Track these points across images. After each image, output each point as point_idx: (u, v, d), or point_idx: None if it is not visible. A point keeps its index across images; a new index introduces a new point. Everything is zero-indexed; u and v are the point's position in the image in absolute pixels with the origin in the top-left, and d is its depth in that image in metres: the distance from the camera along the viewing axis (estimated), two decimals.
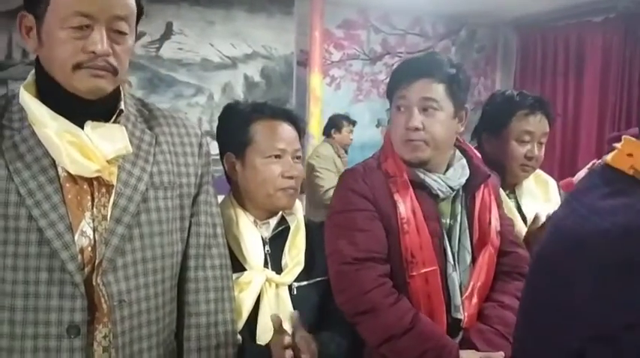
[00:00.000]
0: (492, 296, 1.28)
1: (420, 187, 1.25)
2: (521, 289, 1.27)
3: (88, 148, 0.95)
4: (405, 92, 1.23)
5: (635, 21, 3.28)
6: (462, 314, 1.22)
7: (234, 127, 1.27)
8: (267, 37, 3.60)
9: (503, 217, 1.35)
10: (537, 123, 1.54)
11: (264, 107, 1.28)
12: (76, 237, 0.96)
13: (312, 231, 1.29)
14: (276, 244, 1.25)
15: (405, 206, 1.22)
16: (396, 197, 1.23)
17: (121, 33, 0.95)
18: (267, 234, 1.26)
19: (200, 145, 1.13)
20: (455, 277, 1.24)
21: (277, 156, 1.24)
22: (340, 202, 1.27)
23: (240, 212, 1.26)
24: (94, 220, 0.98)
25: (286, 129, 1.27)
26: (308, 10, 3.49)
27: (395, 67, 1.35)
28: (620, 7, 3.32)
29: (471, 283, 1.24)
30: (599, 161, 1.48)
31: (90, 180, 0.98)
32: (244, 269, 1.20)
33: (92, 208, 0.98)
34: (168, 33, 3.33)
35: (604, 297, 0.70)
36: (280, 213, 1.27)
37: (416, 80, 1.22)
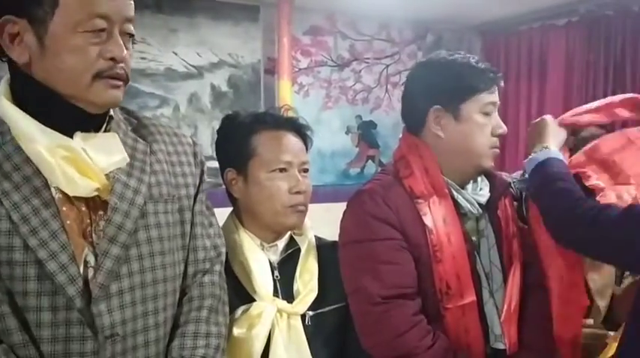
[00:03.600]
0: (523, 314, 1.18)
1: (450, 205, 1.14)
2: (546, 303, 1.22)
3: (85, 163, 0.84)
4: (494, 97, 1.17)
5: (598, 24, 3.34)
6: (504, 343, 1.12)
7: (235, 140, 1.16)
8: (233, 45, 3.49)
9: (520, 227, 1.26)
10: None
11: (267, 116, 1.19)
12: (80, 269, 0.84)
13: (325, 251, 1.19)
14: (285, 269, 1.15)
15: (437, 230, 1.09)
16: (426, 220, 1.10)
17: (131, 36, 0.89)
18: (276, 257, 1.16)
19: (195, 154, 1.04)
20: (492, 303, 1.13)
21: (283, 170, 1.14)
22: (359, 230, 1.13)
23: (245, 234, 1.15)
24: (94, 247, 0.87)
25: (292, 140, 1.17)
26: (274, 17, 3.41)
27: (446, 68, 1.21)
28: (582, 11, 3.38)
29: (506, 304, 1.14)
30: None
31: (87, 201, 0.87)
32: (252, 299, 1.11)
33: (92, 234, 0.87)
34: None
35: None
36: (289, 233, 1.18)
37: (499, 81, 1.19)
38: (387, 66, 3.94)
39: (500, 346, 1.13)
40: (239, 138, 1.16)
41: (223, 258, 1.05)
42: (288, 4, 3.35)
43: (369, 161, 3.99)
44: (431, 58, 1.26)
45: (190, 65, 3.39)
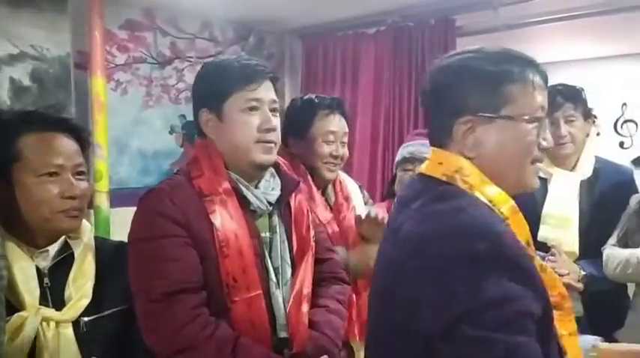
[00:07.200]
0: (317, 302, 1.27)
1: (236, 203, 1.17)
2: (341, 292, 1.33)
3: None
4: (256, 94, 1.21)
5: (402, 34, 3.69)
6: (288, 332, 1.18)
7: None
8: (36, 36, 3.18)
9: (316, 224, 1.36)
10: (338, 123, 1.67)
11: (35, 116, 1.13)
12: None
13: (105, 254, 1.16)
14: (58, 275, 1.08)
15: (224, 227, 1.12)
16: (213, 218, 1.13)
17: None
18: (46, 263, 1.09)
19: None
20: (279, 295, 1.19)
21: (54, 174, 1.09)
22: (144, 228, 1.12)
23: (8, 241, 1.07)
24: None
25: (64, 142, 1.12)
26: (84, 8, 3.18)
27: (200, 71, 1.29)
28: (389, 21, 3.70)
29: (294, 291, 1.21)
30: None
31: None
32: (16, 310, 1.02)
33: None
34: None
35: (442, 290, 0.77)
36: (63, 237, 1.12)
37: (264, 80, 1.22)
38: None
39: (283, 335, 1.18)
40: (1, 140, 1.08)
41: (5, 281, 0.98)
42: None
43: None
44: (203, 64, 1.31)
45: None
